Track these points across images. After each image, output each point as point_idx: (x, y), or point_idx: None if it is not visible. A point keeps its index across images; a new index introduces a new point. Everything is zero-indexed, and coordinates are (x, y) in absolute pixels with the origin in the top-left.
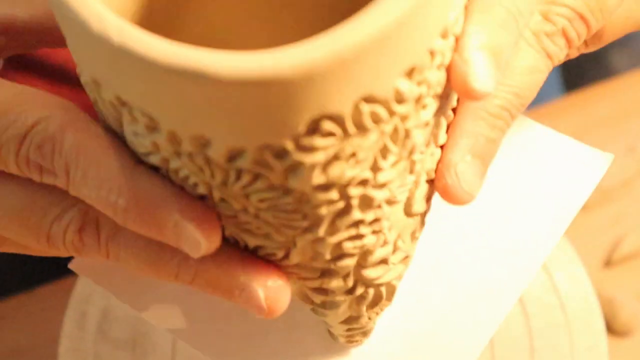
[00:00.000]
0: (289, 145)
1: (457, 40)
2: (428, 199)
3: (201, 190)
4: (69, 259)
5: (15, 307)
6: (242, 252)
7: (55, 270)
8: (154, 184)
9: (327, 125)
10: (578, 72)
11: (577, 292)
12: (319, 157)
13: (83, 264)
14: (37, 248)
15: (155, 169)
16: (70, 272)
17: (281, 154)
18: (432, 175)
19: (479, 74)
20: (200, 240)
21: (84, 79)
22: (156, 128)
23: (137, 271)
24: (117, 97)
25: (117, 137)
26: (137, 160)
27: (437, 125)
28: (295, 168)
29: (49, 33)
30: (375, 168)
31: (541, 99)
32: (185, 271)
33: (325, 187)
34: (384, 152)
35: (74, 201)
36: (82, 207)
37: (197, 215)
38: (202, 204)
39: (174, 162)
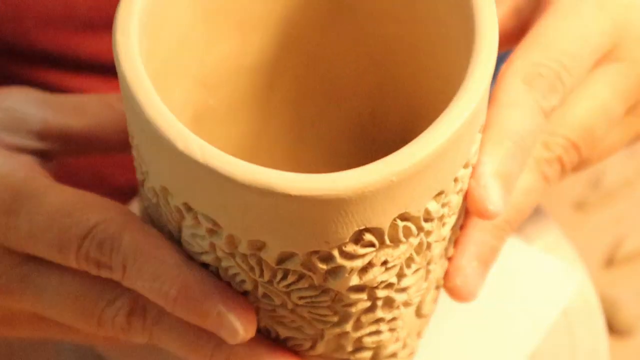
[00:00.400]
0: (335, 252)
1: (473, 168)
2: (434, 301)
3: (247, 286)
4: None
5: None
6: (270, 341)
7: None
8: (202, 278)
9: (368, 237)
10: None
11: (578, 292)
12: (357, 263)
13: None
14: (86, 330)
15: (205, 265)
16: None
17: (327, 258)
18: (440, 283)
19: (493, 198)
20: (239, 330)
21: (149, 185)
22: (217, 232)
23: (174, 352)
24: (184, 204)
25: (168, 237)
26: (188, 257)
27: (449, 240)
28: (337, 271)
29: (101, 141)
30: (400, 274)
31: None
32: (218, 354)
33: (358, 288)
34: (409, 261)
35: (123, 290)
36: (131, 295)
37: (238, 308)
38: (243, 299)
39: (226, 261)
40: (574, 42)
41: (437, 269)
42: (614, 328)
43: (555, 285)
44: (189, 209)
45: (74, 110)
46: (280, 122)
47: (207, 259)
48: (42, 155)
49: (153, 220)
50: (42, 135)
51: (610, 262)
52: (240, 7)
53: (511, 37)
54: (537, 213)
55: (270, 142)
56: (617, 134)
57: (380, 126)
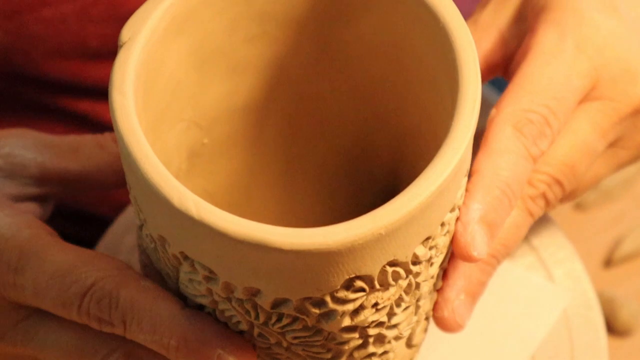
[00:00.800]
0: (327, 298)
1: (459, 209)
2: (424, 331)
3: (243, 327)
4: None
5: None
6: None
7: None
8: (199, 325)
9: (359, 283)
10: None
11: (575, 289)
12: (349, 306)
13: None
14: None
15: (201, 307)
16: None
17: (319, 303)
18: (430, 314)
19: (478, 245)
20: None
21: (147, 232)
22: (213, 279)
23: None
24: (181, 253)
25: (164, 284)
26: (184, 303)
27: (437, 276)
28: (329, 314)
29: (97, 182)
30: (390, 313)
31: None
32: None
33: (350, 328)
34: (399, 301)
35: (120, 342)
36: (127, 348)
37: (238, 349)
38: (241, 339)
39: (222, 304)
40: (558, 87)
41: (427, 303)
42: (613, 328)
43: (542, 307)
44: (186, 257)
45: (70, 152)
46: (272, 158)
47: (204, 301)
48: (41, 200)
49: (152, 261)
50: (40, 180)
51: (609, 261)
52: (231, 52)
53: (498, 67)
54: None
55: (263, 177)
56: (600, 166)
57: (370, 158)
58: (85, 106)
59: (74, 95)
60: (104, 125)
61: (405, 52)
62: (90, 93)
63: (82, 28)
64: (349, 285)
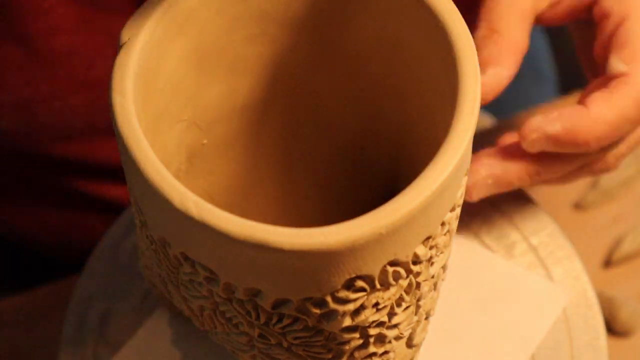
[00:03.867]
0: (328, 298)
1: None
2: (424, 331)
3: (243, 327)
4: (68, 260)
5: (15, 307)
6: None
7: (55, 271)
8: None
9: (359, 283)
10: (577, 73)
11: (575, 287)
12: (350, 306)
13: None
14: None
15: (202, 308)
16: (70, 273)
17: (320, 303)
18: (430, 313)
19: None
20: None
21: (147, 233)
22: (214, 279)
23: None
24: (182, 253)
25: (165, 286)
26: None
27: (438, 276)
28: (330, 314)
29: None
30: (391, 313)
31: (540, 99)
32: None
33: (351, 328)
34: (399, 300)
35: None
36: None
37: None
38: None
39: (223, 305)
40: None
41: (427, 303)
42: (612, 328)
43: (542, 306)
44: (187, 258)
45: None
46: (272, 158)
47: (205, 302)
48: None
49: (152, 262)
50: None
51: (609, 262)
52: (230, 51)
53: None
54: (533, 209)
55: (263, 177)
56: None
57: (370, 158)
58: (92, 187)
59: (81, 176)
60: (111, 205)
61: (405, 51)
62: (97, 173)
63: (90, 116)
64: (349, 285)
